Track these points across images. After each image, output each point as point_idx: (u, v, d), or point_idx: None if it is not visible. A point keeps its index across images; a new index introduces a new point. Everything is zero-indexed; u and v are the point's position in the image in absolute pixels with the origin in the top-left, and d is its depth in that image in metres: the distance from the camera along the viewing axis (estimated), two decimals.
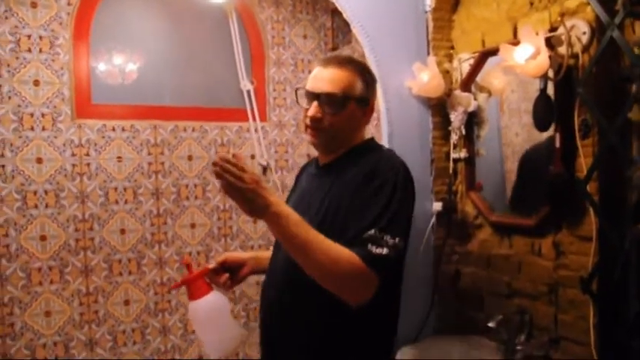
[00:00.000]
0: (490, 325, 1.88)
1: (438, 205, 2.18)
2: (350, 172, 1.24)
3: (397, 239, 1.12)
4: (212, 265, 1.39)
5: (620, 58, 1.61)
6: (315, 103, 1.23)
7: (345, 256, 1.08)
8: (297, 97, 1.31)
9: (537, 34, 1.66)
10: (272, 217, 1.06)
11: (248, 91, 2.53)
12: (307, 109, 1.25)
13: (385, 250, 1.09)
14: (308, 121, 1.25)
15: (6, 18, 2.06)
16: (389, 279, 1.14)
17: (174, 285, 1.35)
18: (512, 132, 2.12)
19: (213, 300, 1.30)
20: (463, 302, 2.24)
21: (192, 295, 1.30)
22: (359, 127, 1.31)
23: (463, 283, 2.25)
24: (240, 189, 1.03)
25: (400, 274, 1.28)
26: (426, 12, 2.20)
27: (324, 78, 1.24)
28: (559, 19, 1.76)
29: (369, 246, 1.09)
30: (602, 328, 1.62)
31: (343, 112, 1.24)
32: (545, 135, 1.88)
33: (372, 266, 1.08)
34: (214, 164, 1.04)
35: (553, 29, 1.78)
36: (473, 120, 2.15)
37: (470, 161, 2.16)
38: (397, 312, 1.31)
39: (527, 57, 1.62)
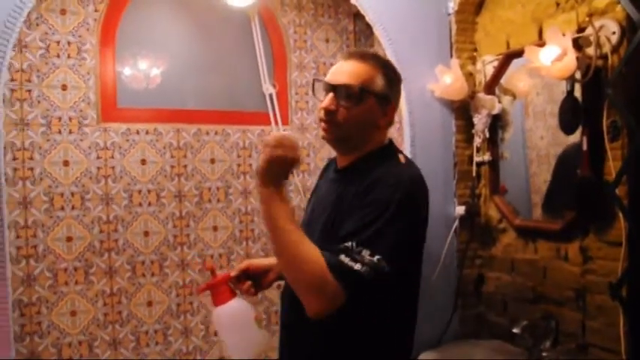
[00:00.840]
0: (515, 330, 1.85)
1: (460, 209, 2.16)
2: (360, 181, 1.15)
3: (378, 258, 1.03)
4: (234, 272, 1.37)
5: None
6: (330, 95, 1.17)
7: (315, 259, 1.03)
8: (313, 89, 1.25)
9: (564, 34, 1.63)
10: (274, 193, 1.07)
11: (270, 95, 2.54)
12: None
13: (358, 266, 1.02)
14: (322, 113, 1.18)
15: (37, 25, 2.11)
16: (361, 298, 1.05)
17: (199, 289, 1.36)
18: (537, 135, 2.09)
19: (237, 306, 1.31)
20: (487, 307, 2.21)
21: (216, 301, 1.30)
22: (377, 127, 1.22)
23: (487, 288, 2.22)
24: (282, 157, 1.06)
25: (407, 294, 1.20)
26: (449, 14, 2.19)
27: (343, 70, 1.18)
28: (587, 19, 1.73)
29: (342, 257, 1.03)
30: (632, 335, 1.58)
31: (360, 106, 1.16)
32: (571, 138, 1.85)
33: (338, 278, 1.01)
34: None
35: (580, 30, 1.75)
36: (497, 123, 2.13)
37: (494, 165, 2.14)
38: (408, 334, 1.23)
39: (553, 58, 1.60)
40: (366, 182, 1.12)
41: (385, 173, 1.13)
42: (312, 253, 1.04)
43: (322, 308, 1.04)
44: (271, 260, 1.44)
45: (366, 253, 1.03)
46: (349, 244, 1.04)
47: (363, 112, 1.18)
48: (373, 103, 1.18)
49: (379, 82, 1.19)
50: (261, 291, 1.43)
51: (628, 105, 1.58)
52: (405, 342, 1.22)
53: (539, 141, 2.08)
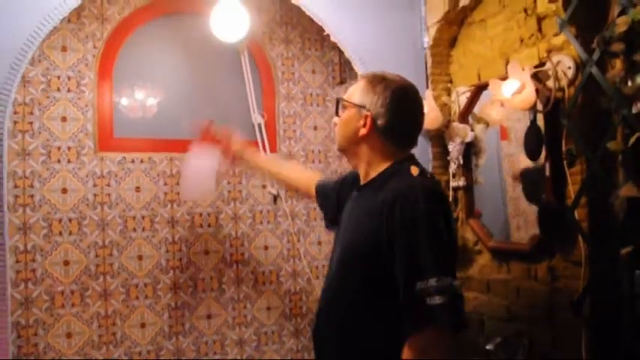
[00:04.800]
0: (488, 347, 1.93)
1: None
2: (374, 200, 1.23)
3: (442, 278, 1.10)
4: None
5: (603, 90, 1.70)
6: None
7: (417, 343, 1.10)
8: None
9: (523, 69, 1.77)
10: None
11: (259, 124, 2.67)
12: None
13: (437, 299, 1.08)
14: None
15: (39, 61, 2.26)
16: (460, 319, 1.14)
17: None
18: (517, 160, 2.20)
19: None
20: (466, 326, 2.30)
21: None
22: (362, 138, 1.29)
23: (466, 308, 2.30)
24: None
25: None
26: (425, 49, 2.34)
27: None
28: (546, 54, 1.87)
29: (428, 300, 1.09)
30: (593, 350, 1.67)
31: (342, 117, 1.32)
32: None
33: (436, 324, 1.09)
34: None
35: (541, 64, 1.88)
36: (470, 150, 2.25)
37: (468, 189, 2.25)
38: None
39: (513, 91, 1.73)
40: (384, 203, 1.18)
41: (400, 192, 1.18)
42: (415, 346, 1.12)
43: (450, 345, 1.15)
44: (253, 154, 1.96)
45: (432, 280, 1.09)
46: (419, 284, 1.10)
47: (345, 121, 1.31)
48: (353, 113, 1.30)
49: (359, 92, 1.30)
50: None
51: (584, 134, 1.70)
52: None
53: (518, 165, 2.19)
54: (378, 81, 1.30)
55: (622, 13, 1.47)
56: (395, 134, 1.29)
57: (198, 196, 1.69)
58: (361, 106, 1.28)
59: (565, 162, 1.74)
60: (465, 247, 2.28)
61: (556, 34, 1.82)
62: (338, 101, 1.33)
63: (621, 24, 1.43)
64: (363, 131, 1.28)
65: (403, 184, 1.21)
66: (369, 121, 1.28)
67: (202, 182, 1.71)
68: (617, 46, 1.45)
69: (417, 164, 1.31)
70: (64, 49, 2.32)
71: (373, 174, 1.30)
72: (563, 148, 1.76)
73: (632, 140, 1.44)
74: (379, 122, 1.27)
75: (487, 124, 2.25)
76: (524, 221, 2.18)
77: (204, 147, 1.63)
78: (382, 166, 1.29)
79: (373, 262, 1.20)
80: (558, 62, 1.79)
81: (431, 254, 1.12)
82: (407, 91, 1.32)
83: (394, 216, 1.16)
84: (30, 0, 1.65)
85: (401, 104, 1.28)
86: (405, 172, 1.27)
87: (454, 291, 1.12)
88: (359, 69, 2.17)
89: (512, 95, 1.75)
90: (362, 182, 1.35)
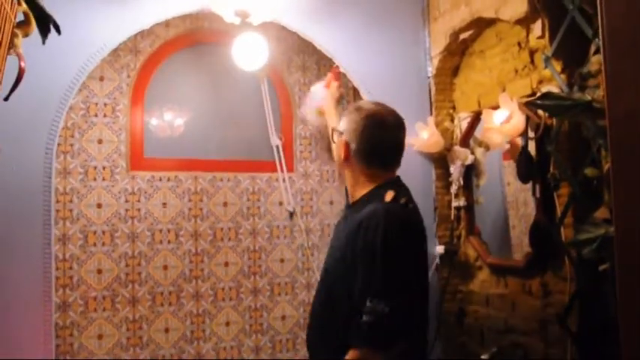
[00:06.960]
0: (484, 357, 2.06)
1: (440, 249, 2.42)
2: (352, 223, 1.35)
3: (375, 301, 1.19)
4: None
5: None
6: None
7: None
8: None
9: (512, 100, 1.93)
10: None
11: (277, 146, 2.87)
12: None
13: (365, 317, 1.20)
14: None
15: (80, 90, 2.52)
16: (383, 340, 1.21)
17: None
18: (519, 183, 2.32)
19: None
20: (468, 338, 2.43)
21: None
22: (347, 164, 1.43)
23: (467, 320, 2.44)
24: None
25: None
26: (429, 77, 2.51)
27: None
28: (537, 85, 2.02)
29: (362, 319, 1.20)
30: None
31: (335, 143, 1.49)
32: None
33: (363, 342, 1.21)
34: None
35: (534, 94, 2.03)
36: (471, 172, 2.40)
37: (469, 209, 2.39)
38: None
39: (502, 121, 1.88)
40: (355, 227, 1.30)
41: (366, 217, 1.29)
42: None
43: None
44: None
45: (367, 302, 1.20)
46: (367, 303, 1.20)
47: (335, 147, 1.50)
48: (339, 139, 1.46)
49: (342, 121, 1.46)
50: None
51: (571, 159, 1.84)
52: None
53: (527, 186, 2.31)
54: (353, 110, 1.44)
55: (597, 51, 1.62)
56: (368, 157, 1.40)
57: (305, 116, 2.29)
58: (341, 133, 1.45)
59: (552, 185, 1.88)
60: (466, 262, 2.42)
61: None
62: (332, 129, 1.54)
63: (595, 62, 1.58)
64: (343, 156, 1.44)
65: (371, 210, 1.31)
66: (345, 145, 1.43)
67: (310, 108, 2.19)
68: (592, 82, 1.59)
69: (397, 189, 1.39)
70: (101, 78, 2.58)
71: (357, 196, 1.43)
72: (550, 171, 1.89)
73: (606, 167, 1.58)
74: (353, 146, 1.41)
75: (487, 148, 2.40)
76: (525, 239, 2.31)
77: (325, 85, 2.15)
78: (364, 190, 1.41)
79: (341, 277, 1.35)
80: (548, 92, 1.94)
81: (379, 278, 1.23)
82: (377, 117, 1.42)
83: (358, 239, 1.29)
84: (76, 44, 1.90)
85: (370, 129, 1.40)
86: (379, 197, 1.35)
87: (384, 312, 1.20)
88: (366, 98, 2.36)
89: (501, 124, 1.90)
90: (350, 203, 1.50)
